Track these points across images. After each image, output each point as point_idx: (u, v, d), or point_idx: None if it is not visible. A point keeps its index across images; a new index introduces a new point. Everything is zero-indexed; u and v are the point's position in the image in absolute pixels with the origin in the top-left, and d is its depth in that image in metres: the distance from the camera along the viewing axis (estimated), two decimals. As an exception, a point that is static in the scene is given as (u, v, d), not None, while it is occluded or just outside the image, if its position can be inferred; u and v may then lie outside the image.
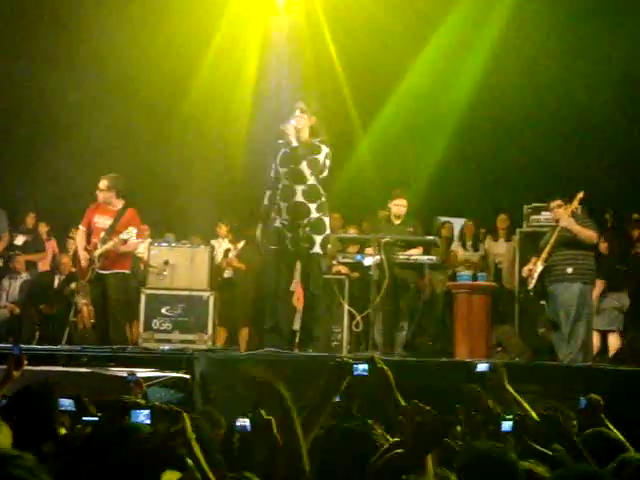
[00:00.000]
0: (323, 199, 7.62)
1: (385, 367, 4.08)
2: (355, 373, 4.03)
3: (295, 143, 7.48)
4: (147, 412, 3.54)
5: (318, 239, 7.57)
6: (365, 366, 4.04)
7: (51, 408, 4.28)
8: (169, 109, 12.38)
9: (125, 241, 8.63)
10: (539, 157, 11.84)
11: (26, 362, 4.62)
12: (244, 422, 3.82)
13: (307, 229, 7.54)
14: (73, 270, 10.88)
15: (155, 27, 11.71)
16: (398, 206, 9.31)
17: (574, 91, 11.58)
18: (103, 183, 8.87)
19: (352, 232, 10.36)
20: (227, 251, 11.09)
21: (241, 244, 11.07)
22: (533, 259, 8.61)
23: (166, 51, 11.79)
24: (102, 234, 8.77)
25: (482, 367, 4.96)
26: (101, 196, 8.85)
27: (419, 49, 12.40)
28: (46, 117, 12.23)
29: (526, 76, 11.93)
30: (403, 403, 3.97)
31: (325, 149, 7.59)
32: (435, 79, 12.27)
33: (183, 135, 12.61)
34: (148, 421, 3.49)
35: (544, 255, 8.43)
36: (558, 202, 8.51)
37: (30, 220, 11.88)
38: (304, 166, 7.53)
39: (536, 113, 12.02)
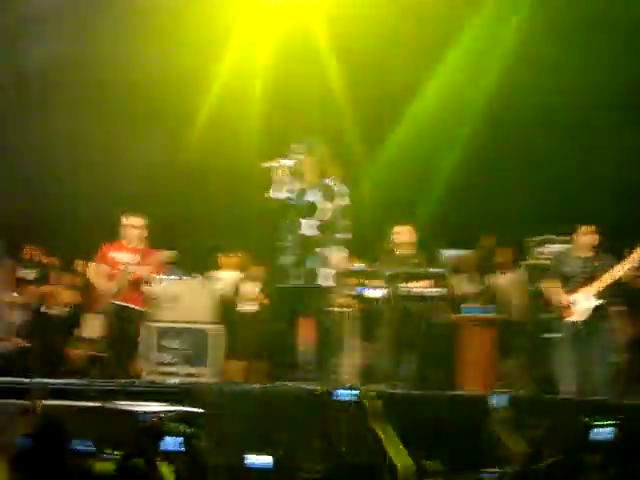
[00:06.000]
0: (329, 232, 7.58)
1: (373, 397, 4.03)
2: (337, 399, 3.99)
3: (293, 184, 7.51)
4: (181, 439, 3.48)
5: (323, 272, 7.55)
6: (348, 391, 4.00)
7: (66, 449, 4.24)
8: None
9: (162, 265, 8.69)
10: (543, 190, 11.89)
11: (48, 396, 4.60)
12: (257, 459, 3.77)
13: (312, 262, 7.52)
14: (72, 302, 10.90)
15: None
16: (398, 234, 9.34)
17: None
18: (140, 221, 8.85)
19: (357, 264, 10.35)
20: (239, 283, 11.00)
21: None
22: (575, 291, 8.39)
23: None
24: (123, 267, 8.77)
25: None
26: (135, 233, 8.81)
27: (422, 87, 12.46)
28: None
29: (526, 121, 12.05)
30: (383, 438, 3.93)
31: (328, 183, 7.56)
32: (439, 115, 12.32)
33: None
34: (183, 449, 3.44)
35: (594, 290, 8.30)
36: None
37: (34, 253, 11.77)
38: (309, 197, 7.52)
39: (537, 149, 12.09)
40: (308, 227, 7.51)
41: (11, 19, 12.00)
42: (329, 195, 7.53)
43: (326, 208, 7.53)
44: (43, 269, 11.59)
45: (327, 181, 7.59)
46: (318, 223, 7.51)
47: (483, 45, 12.30)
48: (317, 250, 7.49)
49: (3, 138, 12.19)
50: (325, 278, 7.54)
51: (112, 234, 9.18)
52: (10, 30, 12.01)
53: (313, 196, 7.52)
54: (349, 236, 7.65)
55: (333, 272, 7.67)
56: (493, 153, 12.15)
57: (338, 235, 7.56)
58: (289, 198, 7.56)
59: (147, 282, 9.16)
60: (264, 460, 3.69)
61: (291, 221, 7.55)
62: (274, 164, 7.51)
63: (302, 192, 7.55)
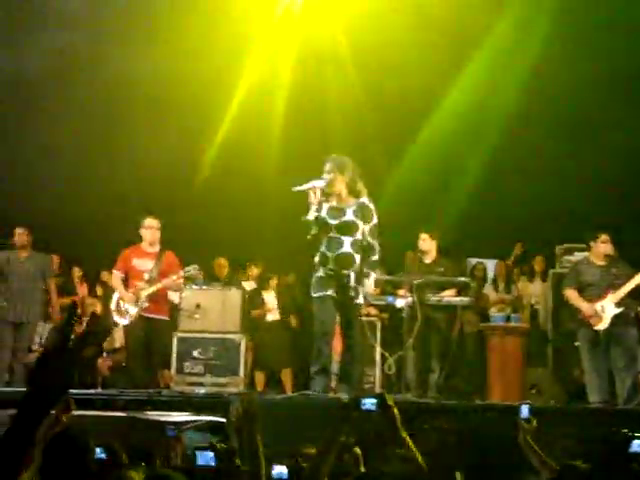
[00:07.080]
0: (365, 251, 7.58)
1: (394, 406, 4.01)
2: (363, 408, 3.97)
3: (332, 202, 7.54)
4: (212, 454, 3.51)
5: (362, 290, 7.57)
6: (373, 400, 3.98)
7: (88, 455, 4.23)
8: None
9: (186, 278, 8.71)
10: (569, 198, 11.82)
11: (74, 407, 4.58)
12: (281, 470, 3.77)
13: (352, 279, 7.51)
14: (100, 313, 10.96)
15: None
16: (422, 240, 9.37)
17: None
18: (157, 222, 8.89)
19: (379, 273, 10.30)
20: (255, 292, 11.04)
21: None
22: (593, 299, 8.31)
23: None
24: (145, 276, 8.80)
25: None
26: (157, 235, 8.87)
27: (444, 93, 12.44)
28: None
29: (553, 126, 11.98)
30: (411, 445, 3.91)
31: (364, 202, 7.57)
32: (462, 122, 12.29)
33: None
34: (213, 463, 3.47)
35: (618, 297, 8.22)
36: None
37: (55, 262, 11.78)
38: (348, 217, 7.51)
39: (563, 158, 12.04)
40: (348, 245, 7.51)
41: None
42: (366, 215, 7.54)
43: (362, 227, 7.54)
44: (64, 278, 11.66)
45: (363, 200, 7.58)
46: (356, 241, 7.53)
47: (505, 55, 12.27)
48: (354, 266, 7.50)
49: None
50: (360, 294, 7.55)
51: (128, 240, 9.23)
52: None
53: (351, 215, 7.52)
54: (377, 256, 7.64)
55: (367, 290, 7.67)
56: (519, 159, 12.12)
57: (373, 257, 7.57)
58: (327, 217, 7.54)
59: (177, 290, 9.22)
60: (282, 470, 3.69)
61: (329, 238, 7.53)
62: (307, 186, 7.50)
63: (340, 211, 7.54)
